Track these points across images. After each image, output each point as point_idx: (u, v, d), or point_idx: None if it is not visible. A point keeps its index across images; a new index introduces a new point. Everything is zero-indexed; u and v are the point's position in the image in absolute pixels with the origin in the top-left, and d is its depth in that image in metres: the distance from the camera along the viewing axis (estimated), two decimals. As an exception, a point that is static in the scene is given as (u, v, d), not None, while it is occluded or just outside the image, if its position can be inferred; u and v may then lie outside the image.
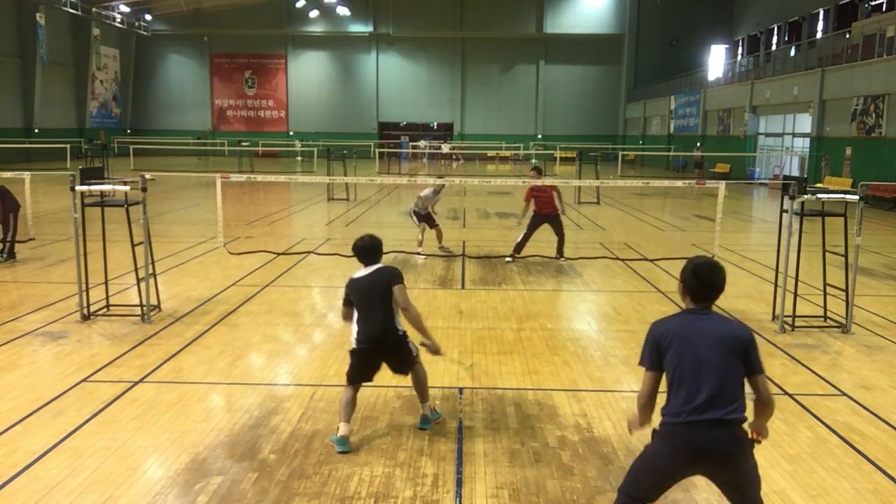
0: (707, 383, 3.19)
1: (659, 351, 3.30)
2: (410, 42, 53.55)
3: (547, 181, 12.50)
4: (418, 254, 11.94)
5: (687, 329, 3.28)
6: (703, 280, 3.30)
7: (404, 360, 5.01)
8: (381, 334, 4.89)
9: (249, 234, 14.40)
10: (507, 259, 11.67)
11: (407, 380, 6.12)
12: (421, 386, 5.12)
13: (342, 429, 4.78)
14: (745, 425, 3.26)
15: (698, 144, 35.84)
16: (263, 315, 8.21)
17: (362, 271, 5.09)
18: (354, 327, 4.95)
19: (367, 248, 5.13)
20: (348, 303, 5.00)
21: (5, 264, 10.82)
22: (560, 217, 11.67)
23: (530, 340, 7.35)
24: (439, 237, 12.69)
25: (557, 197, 11.65)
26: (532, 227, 11.61)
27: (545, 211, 11.58)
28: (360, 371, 4.97)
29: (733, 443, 3.18)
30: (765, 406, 3.35)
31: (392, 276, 5.06)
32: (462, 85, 54.41)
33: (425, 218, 12.54)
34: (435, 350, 5.07)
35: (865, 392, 5.99)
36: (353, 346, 4.94)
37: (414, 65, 54.31)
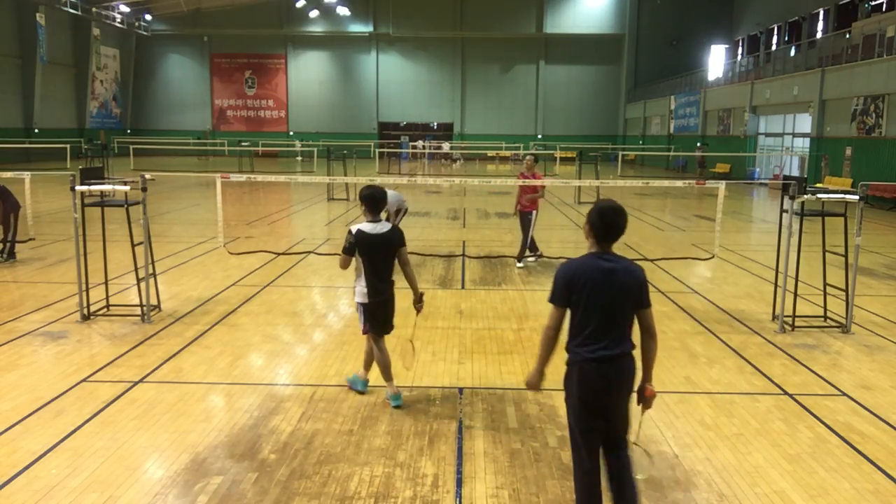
0: (609, 321, 3.52)
1: (567, 290, 3.54)
2: (410, 42, 53.55)
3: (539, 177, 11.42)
4: None
5: (593, 271, 3.52)
6: (607, 222, 3.52)
7: (392, 315, 5.60)
8: (390, 288, 5.47)
9: (249, 234, 14.40)
10: (531, 259, 11.39)
11: (407, 379, 6.15)
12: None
13: (391, 388, 5.50)
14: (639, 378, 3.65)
15: (699, 144, 35.79)
16: (263, 315, 8.21)
17: (372, 227, 5.29)
18: (362, 281, 5.33)
19: (378, 198, 5.33)
20: (352, 252, 5.29)
21: (5, 264, 10.82)
22: (531, 216, 10.99)
23: (530, 340, 7.35)
24: None
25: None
26: (524, 226, 11.10)
27: (525, 208, 10.99)
28: (382, 322, 5.50)
29: (626, 374, 3.56)
30: (650, 336, 3.62)
31: (402, 238, 5.47)
32: (462, 85, 54.42)
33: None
34: (420, 302, 5.61)
35: (865, 392, 5.99)
36: (366, 300, 5.34)
37: (414, 65, 54.31)
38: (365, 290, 5.32)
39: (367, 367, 5.77)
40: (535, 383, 3.79)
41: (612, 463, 3.62)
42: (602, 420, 3.57)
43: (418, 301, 5.56)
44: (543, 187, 11.43)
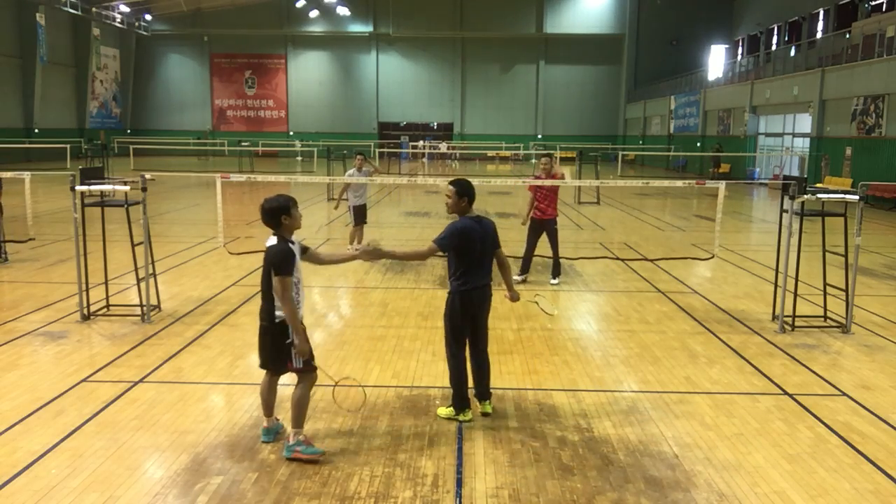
0: (482, 262, 5.30)
1: (460, 241, 5.13)
2: (410, 42, 53.55)
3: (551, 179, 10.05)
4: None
5: (474, 229, 5.17)
6: (473, 192, 5.23)
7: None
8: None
9: (249, 234, 14.39)
10: (518, 278, 9.91)
11: (406, 379, 6.11)
12: None
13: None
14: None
15: (716, 145, 35.63)
16: (263, 315, 8.19)
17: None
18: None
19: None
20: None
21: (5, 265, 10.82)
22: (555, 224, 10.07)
23: (530, 340, 7.35)
24: (359, 237, 11.76)
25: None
26: (533, 236, 10.08)
27: (547, 214, 9.97)
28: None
29: (487, 297, 5.42)
30: (504, 266, 5.53)
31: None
32: (462, 85, 54.42)
33: (360, 212, 11.90)
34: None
35: (865, 392, 5.99)
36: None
37: (414, 65, 54.31)
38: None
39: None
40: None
41: (473, 353, 5.44)
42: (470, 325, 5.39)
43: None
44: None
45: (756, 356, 6.91)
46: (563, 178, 10.67)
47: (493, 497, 4.22)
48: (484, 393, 5.47)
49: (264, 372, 4.86)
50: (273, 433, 4.93)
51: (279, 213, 4.55)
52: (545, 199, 9.92)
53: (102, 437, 4.91)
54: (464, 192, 5.18)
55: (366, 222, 12.22)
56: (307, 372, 4.71)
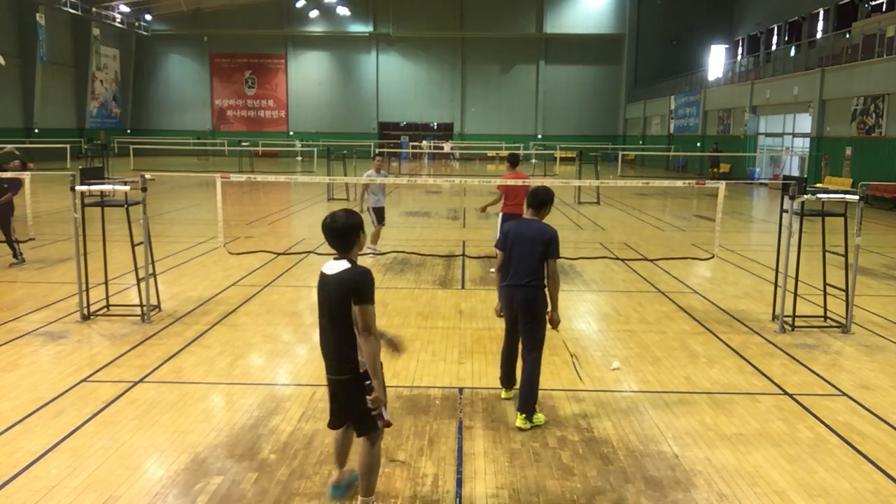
0: (521, 262, 5.24)
1: (507, 240, 5.32)
2: (410, 42, 53.54)
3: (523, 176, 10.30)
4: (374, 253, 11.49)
5: (520, 228, 5.32)
6: (539, 197, 5.38)
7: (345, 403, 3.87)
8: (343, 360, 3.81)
9: (249, 234, 14.40)
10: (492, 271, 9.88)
11: (406, 379, 6.09)
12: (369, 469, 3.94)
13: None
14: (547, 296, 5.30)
15: (715, 145, 35.68)
16: (263, 315, 8.20)
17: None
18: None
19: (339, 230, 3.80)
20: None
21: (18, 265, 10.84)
22: None
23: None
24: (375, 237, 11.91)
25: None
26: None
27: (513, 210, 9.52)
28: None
29: (527, 297, 5.23)
30: (553, 279, 5.25)
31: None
32: (462, 85, 54.40)
33: (380, 214, 12.00)
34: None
35: (865, 392, 5.99)
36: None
37: (414, 65, 54.30)
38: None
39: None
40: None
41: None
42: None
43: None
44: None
45: (756, 356, 6.91)
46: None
47: (493, 497, 4.22)
48: (518, 404, 5.20)
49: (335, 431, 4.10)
50: (344, 489, 4.14)
51: (354, 231, 3.77)
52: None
53: (102, 437, 4.91)
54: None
55: (384, 224, 12.25)
56: (383, 426, 3.84)
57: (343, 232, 3.77)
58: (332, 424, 4.02)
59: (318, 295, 3.83)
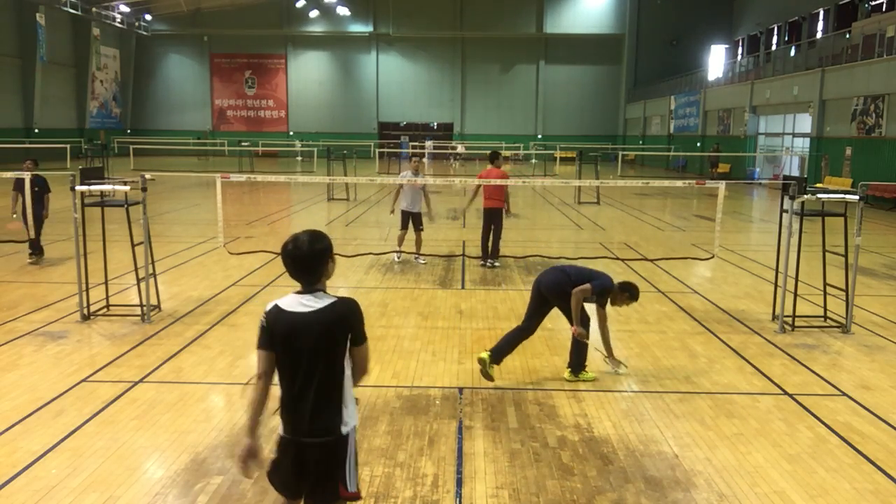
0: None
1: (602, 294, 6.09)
2: (410, 42, 53.53)
3: (497, 172, 11.18)
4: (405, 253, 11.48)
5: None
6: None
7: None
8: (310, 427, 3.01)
9: (249, 234, 14.40)
10: (485, 264, 11.12)
11: (406, 379, 6.12)
12: None
13: None
14: None
15: (715, 145, 35.70)
16: (263, 315, 8.19)
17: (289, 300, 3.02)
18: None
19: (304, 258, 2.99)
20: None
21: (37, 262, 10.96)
22: (501, 213, 11.09)
23: (530, 340, 7.32)
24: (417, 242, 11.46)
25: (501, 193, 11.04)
26: (484, 226, 11.14)
27: (486, 204, 11.04)
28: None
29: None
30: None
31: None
32: (462, 85, 54.39)
33: (413, 219, 11.41)
34: None
35: (865, 392, 5.99)
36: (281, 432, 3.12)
37: (414, 65, 54.29)
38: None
39: None
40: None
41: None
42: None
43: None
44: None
45: (756, 356, 6.91)
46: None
47: (493, 497, 4.22)
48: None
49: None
50: None
51: (324, 259, 3.02)
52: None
53: (102, 437, 4.91)
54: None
55: (406, 230, 11.48)
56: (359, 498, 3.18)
57: (316, 257, 2.98)
58: (292, 495, 3.10)
59: (281, 340, 2.92)
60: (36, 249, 11.19)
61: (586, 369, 6.17)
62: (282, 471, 3.05)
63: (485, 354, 6.03)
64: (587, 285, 5.93)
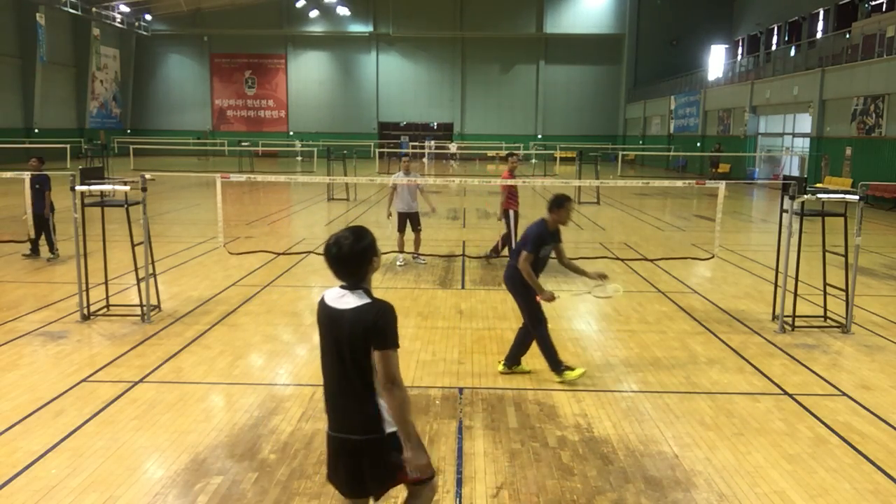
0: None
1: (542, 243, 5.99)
2: (410, 42, 53.54)
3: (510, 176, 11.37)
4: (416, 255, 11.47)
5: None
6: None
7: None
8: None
9: (249, 234, 14.40)
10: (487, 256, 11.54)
11: (406, 380, 6.09)
12: None
13: None
14: None
15: (716, 145, 35.71)
16: (263, 315, 8.20)
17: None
18: None
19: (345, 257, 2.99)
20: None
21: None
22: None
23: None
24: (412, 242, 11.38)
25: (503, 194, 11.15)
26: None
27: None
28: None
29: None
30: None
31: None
32: (462, 85, 54.41)
33: (403, 220, 11.30)
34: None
35: (865, 392, 5.99)
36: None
37: (414, 65, 54.30)
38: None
39: None
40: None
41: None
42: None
43: None
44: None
45: (756, 356, 6.91)
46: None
47: (493, 497, 4.22)
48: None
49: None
50: None
51: (367, 258, 2.99)
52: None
53: (102, 437, 4.91)
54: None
55: (403, 232, 11.42)
56: (430, 479, 3.19)
57: (360, 256, 2.96)
58: (354, 493, 3.11)
59: (323, 331, 3.05)
60: (34, 249, 11.18)
61: (567, 369, 6.13)
62: (332, 470, 3.12)
63: (500, 367, 6.29)
64: (523, 253, 5.87)
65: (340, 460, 3.05)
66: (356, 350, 2.92)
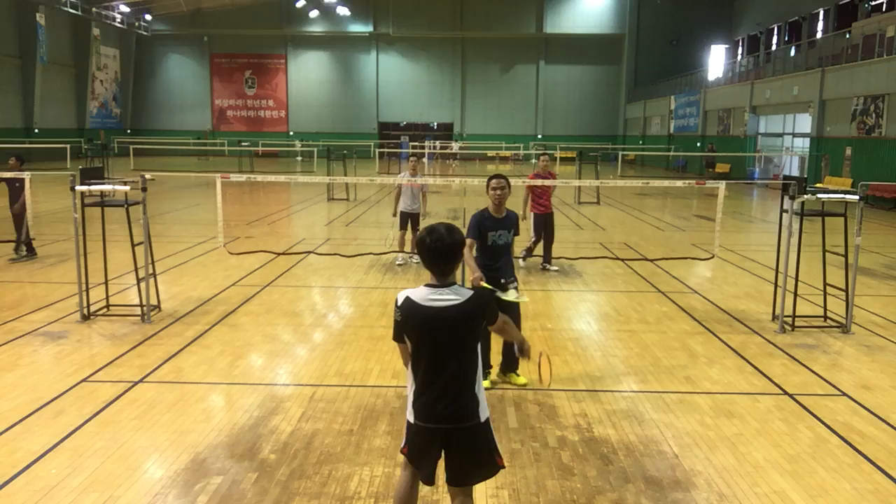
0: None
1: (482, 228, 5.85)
2: (410, 42, 53.56)
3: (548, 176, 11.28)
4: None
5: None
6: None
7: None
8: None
9: (249, 234, 14.40)
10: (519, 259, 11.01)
11: (406, 380, 6.12)
12: None
13: None
14: None
15: (710, 145, 35.83)
16: (263, 315, 8.20)
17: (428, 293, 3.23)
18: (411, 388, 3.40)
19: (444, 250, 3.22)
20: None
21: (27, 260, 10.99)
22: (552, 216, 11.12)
23: (530, 340, 7.24)
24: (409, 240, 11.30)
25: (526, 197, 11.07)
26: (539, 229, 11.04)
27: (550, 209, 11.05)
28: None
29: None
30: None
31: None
32: (462, 85, 54.43)
33: (405, 219, 11.25)
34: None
35: (865, 392, 5.99)
36: (412, 419, 3.40)
37: (414, 65, 54.32)
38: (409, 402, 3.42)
39: None
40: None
41: None
42: None
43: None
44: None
45: (756, 356, 6.91)
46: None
47: (493, 497, 4.22)
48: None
49: (406, 476, 3.47)
50: None
51: (463, 246, 3.30)
52: (545, 195, 11.09)
53: (102, 437, 4.90)
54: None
55: (405, 230, 11.37)
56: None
57: (453, 250, 3.21)
58: (430, 478, 3.33)
59: (422, 330, 3.17)
60: (17, 248, 11.21)
61: (487, 373, 5.96)
62: (420, 455, 3.33)
63: (493, 378, 6.07)
64: (465, 241, 5.74)
65: (447, 450, 3.26)
66: (472, 338, 3.22)
